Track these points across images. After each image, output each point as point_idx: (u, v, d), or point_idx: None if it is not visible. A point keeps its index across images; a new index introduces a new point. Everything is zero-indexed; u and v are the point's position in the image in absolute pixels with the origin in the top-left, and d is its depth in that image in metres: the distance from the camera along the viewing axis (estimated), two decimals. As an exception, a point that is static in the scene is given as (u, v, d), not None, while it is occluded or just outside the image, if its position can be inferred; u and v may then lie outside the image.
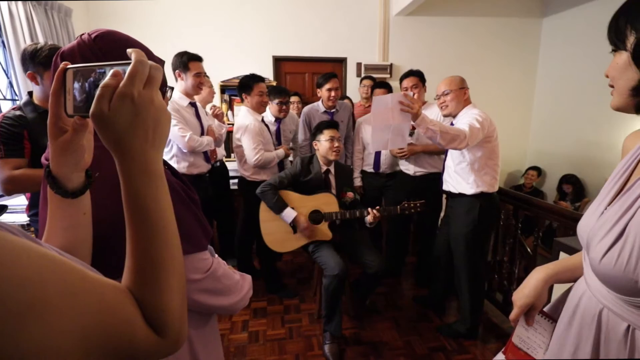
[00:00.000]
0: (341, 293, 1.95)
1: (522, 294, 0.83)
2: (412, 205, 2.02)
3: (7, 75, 2.62)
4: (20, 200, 1.99)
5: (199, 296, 0.69)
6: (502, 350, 0.88)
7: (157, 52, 0.62)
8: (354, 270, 2.41)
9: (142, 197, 0.41)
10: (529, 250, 2.33)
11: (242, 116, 2.42)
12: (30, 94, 1.47)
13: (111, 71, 0.40)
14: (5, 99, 2.61)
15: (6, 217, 1.83)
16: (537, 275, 0.83)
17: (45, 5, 2.72)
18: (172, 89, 2.16)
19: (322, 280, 1.98)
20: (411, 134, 2.41)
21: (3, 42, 2.52)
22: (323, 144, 2.12)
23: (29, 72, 1.38)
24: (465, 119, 1.80)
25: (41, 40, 2.54)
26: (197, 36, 3.56)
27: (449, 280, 2.19)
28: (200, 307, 0.71)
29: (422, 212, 2.09)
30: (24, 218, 1.81)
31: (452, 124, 1.95)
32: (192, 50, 2.17)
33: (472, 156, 1.87)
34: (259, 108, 2.41)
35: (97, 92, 0.39)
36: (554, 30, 4.01)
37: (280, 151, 2.50)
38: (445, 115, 1.99)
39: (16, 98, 2.62)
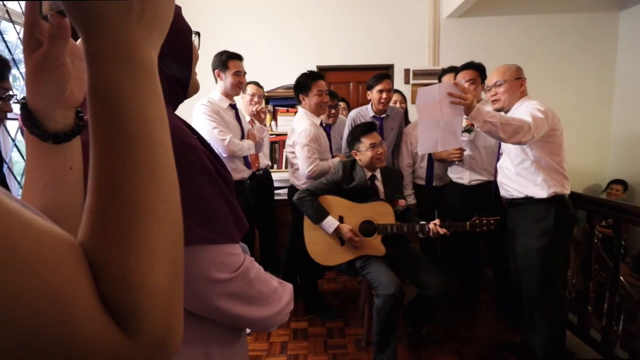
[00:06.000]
0: (397, 317, 1.67)
1: None
2: (484, 221, 1.70)
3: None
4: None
5: (224, 302, 0.52)
6: None
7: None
8: (406, 291, 2.10)
9: (116, 91, 0.24)
10: (624, 282, 1.84)
11: (298, 119, 2.21)
12: None
13: None
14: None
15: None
16: None
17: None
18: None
19: (374, 300, 1.72)
20: (470, 131, 2.11)
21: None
22: (365, 154, 1.89)
23: None
24: (524, 110, 1.58)
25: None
26: (242, 48, 3.59)
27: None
28: (224, 318, 0.54)
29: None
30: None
31: None
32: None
33: (536, 152, 1.60)
34: (318, 110, 2.17)
35: None
36: (634, 24, 3.49)
37: (337, 160, 2.23)
38: (496, 110, 1.73)
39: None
